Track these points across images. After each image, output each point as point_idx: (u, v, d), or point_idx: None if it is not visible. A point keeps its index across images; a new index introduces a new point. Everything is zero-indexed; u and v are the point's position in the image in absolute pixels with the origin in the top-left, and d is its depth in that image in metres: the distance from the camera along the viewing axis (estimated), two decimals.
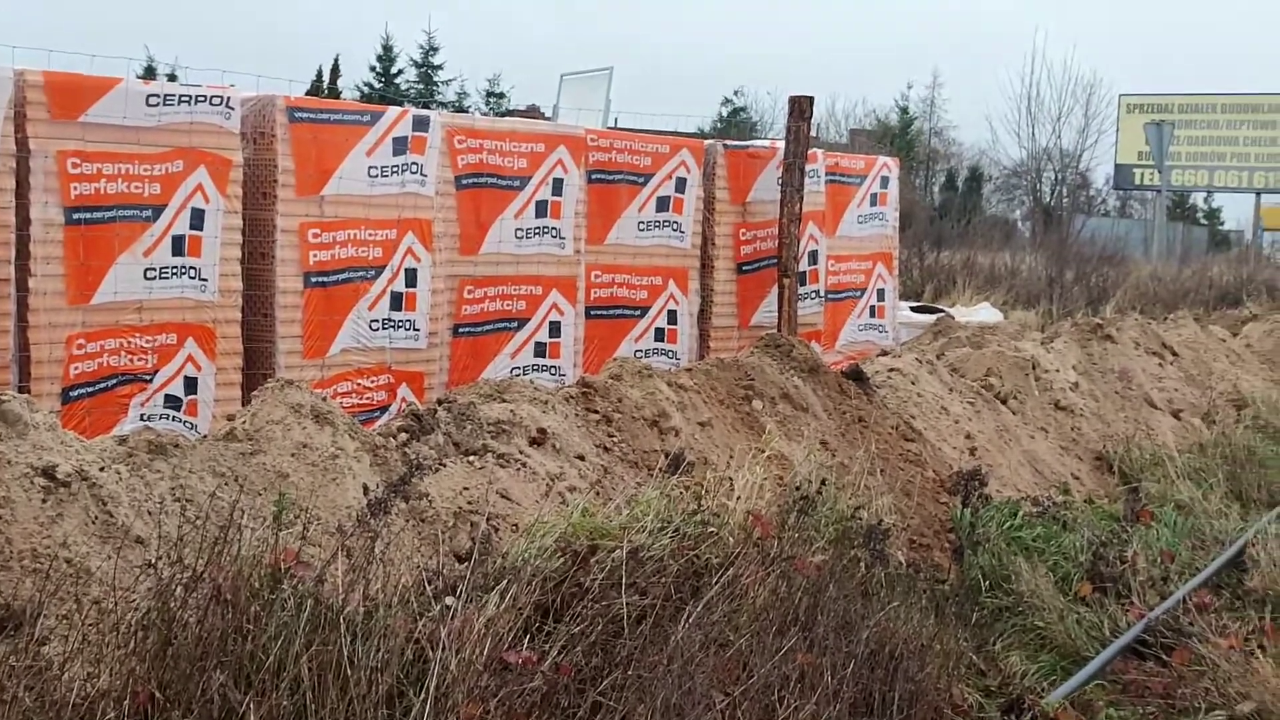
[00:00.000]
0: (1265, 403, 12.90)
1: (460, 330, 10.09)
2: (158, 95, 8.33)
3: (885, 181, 13.97)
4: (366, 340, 9.38)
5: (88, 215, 8.02)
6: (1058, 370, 11.44)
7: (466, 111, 42.87)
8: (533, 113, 35.07)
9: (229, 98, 8.65)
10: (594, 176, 11.09)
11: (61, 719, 3.67)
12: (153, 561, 4.41)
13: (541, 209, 10.59)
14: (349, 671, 4.00)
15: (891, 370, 9.90)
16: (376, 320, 9.44)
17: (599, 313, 11.19)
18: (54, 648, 4.04)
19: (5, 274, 7.68)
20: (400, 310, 9.57)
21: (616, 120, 22.19)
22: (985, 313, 19.05)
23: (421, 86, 50.14)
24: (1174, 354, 13.62)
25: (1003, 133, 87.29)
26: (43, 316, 7.84)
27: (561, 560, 4.99)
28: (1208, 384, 13.25)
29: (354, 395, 9.25)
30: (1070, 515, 8.33)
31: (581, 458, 6.68)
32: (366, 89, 47.92)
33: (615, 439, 7.08)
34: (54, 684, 3.77)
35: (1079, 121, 49.99)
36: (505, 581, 4.66)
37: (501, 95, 51.19)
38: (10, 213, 7.69)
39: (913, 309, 17.84)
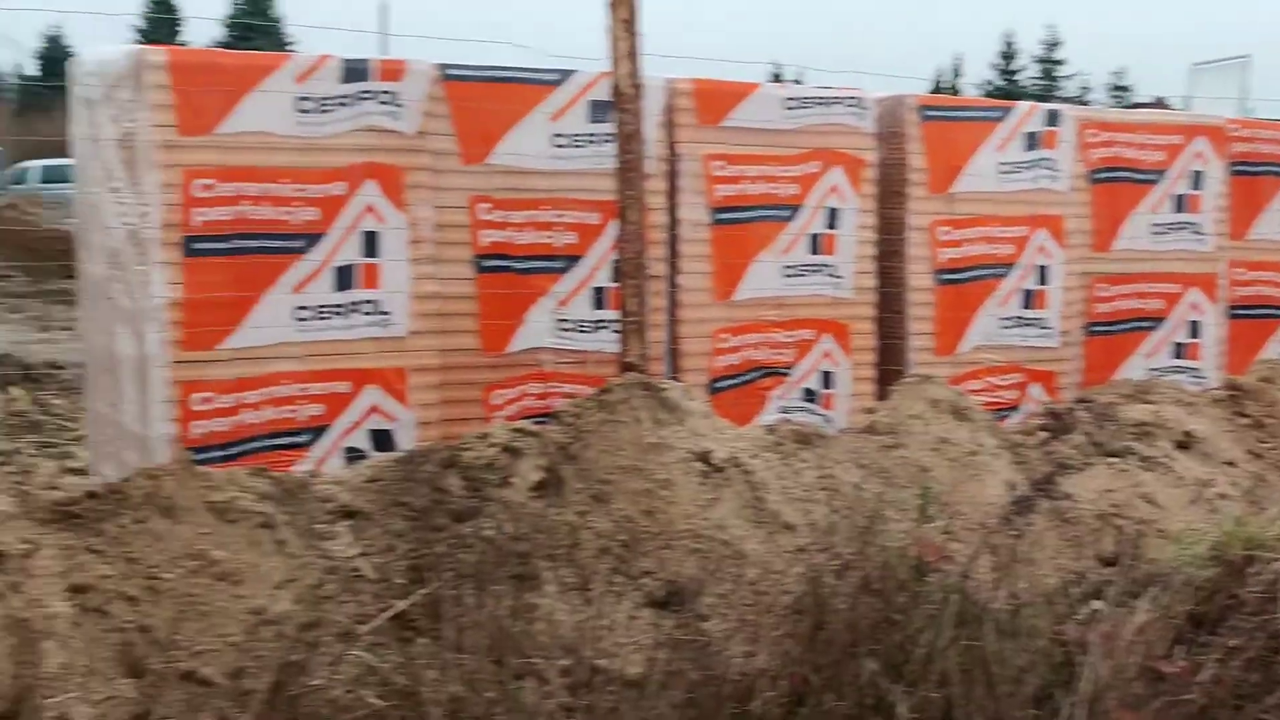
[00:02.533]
0: None
1: (1093, 329, 9.79)
2: (795, 99, 8.56)
3: None
4: (997, 338, 9.28)
5: (730, 216, 8.35)
6: None
7: (1089, 105, 41.67)
8: (1159, 106, 33.65)
9: (863, 99, 8.77)
10: (1236, 168, 10.49)
11: (722, 693, 3.84)
12: (802, 547, 4.55)
13: (1179, 203, 10.13)
14: (995, 669, 3.97)
15: None
16: (1007, 318, 9.32)
17: (1241, 312, 10.57)
18: (714, 625, 4.25)
19: (660, 271, 8.13)
20: (1031, 308, 9.41)
21: (1254, 112, 20.93)
22: None
23: (1043, 81, 49.20)
24: None
25: None
26: (690, 312, 8.22)
27: (1214, 570, 4.76)
28: None
29: (985, 393, 9.15)
30: None
31: (1231, 464, 6.36)
32: (988, 86, 47.55)
33: (1267, 445, 6.68)
34: (715, 659, 3.96)
35: None
36: (1155, 588, 4.49)
37: (1126, 89, 49.42)
38: (664, 214, 8.14)
39: None
